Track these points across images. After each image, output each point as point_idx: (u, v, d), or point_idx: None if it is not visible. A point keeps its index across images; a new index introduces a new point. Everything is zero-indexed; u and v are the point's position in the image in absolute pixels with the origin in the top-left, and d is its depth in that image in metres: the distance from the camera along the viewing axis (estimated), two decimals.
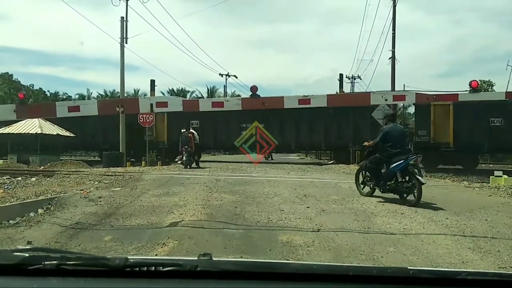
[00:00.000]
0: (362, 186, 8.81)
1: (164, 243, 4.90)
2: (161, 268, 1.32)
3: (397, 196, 7.96)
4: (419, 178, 7.59)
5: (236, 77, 42.08)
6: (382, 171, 8.11)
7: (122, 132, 21.57)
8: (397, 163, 7.77)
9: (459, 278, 1.34)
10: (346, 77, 37.54)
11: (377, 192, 8.32)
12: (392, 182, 7.91)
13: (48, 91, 56.98)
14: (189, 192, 8.64)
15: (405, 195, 7.83)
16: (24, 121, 21.08)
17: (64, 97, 54.50)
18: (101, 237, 5.31)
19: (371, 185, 8.47)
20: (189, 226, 5.74)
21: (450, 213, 6.80)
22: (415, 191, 7.57)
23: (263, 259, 3.67)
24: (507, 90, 20.69)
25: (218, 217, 6.37)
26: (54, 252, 1.58)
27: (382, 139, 8.13)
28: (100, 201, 7.50)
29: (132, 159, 20.64)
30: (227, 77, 41.52)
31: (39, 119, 20.90)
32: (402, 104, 23.86)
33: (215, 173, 13.54)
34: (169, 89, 50.49)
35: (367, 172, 8.61)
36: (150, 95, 25.03)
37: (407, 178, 7.75)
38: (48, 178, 11.45)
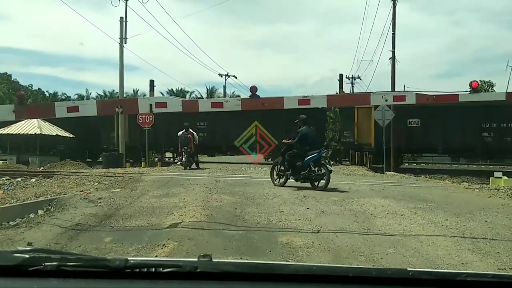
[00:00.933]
0: (276, 178, 10.48)
1: (164, 244, 4.91)
2: (161, 269, 1.32)
3: (307, 184, 9.70)
4: (328, 166, 9.59)
5: (236, 78, 42.02)
6: (297, 163, 9.79)
7: (122, 132, 21.58)
8: (311, 156, 9.54)
9: (459, 279, 1.34)
10: (346, 77, 37.59)
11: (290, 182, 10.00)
12: (306, 171, 9.67)
13: (47, 91, 57.01)
14: (189, 193, 8.64)
15: (315, 182, 9.64)
16: (23, 122, 21.02)
17: (63, 97, 54.43)
18: (101, 238, 5.31)
19: (287, 176, 10.14)
20: (189, 227, 5.74)
21: (450, 214, 6.80)
22: (324, 178, 9.43)
23: (263, 260, 3.67)
24: (507, 91, 20.77)
25: (218, 218, 6.38)
26: (54, 253, 1.59)
27: (300, 139, 9.91)
28: (100, 202, 7.50)
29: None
30: (227, 77, 41.48)
31: (38, 119, 20.88)
32: None
33: (215, 174, 13.54)
34: (169, 90, 50.49)
35: (281, 166, 10.37)
36: (149, 96, 25.02)
37: (317, 168, 9.60)
38: (48, 179, 11.45)
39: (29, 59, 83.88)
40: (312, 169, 9.62)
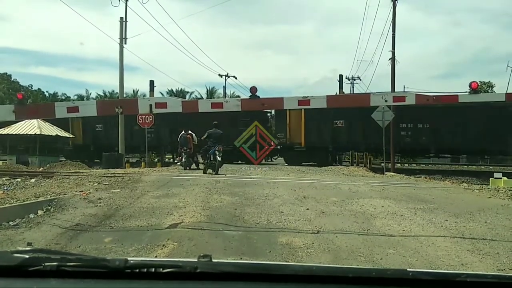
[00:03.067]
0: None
1: (164, 245, 4.91)
2: (161, 269, 1.32)
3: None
4: (218, 158, 13.45)
5: (236, 78, 41.92)
6: (207, 155, 13.81)
7: (121, 132, 21.56)
8: (211, 150, 13.52)
9: (458, 280, 1.34)
10: (346, 78, 37.54)
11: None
12: (209, 161, 13.65)
13: (47, 91, 56.92)
14: (189, 194, 8.63)
15: (215, 169, 13.39)
16: (23, 122, 20.97)
17: (63, 97, 54.30)
18: (101, 239, 5.31)
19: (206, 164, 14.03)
20: (189, 228, 5.74)
21: (449, 215, 6.80)
22: (218, 165, 13.47)
23: (263, 261, 3.68)
24: (507, 91, 20.79)
25: (218, 218, 6.37)
26: (54, 254, 1.59)
27: (207, 137, 13.96)
28: (100, 203, 7.49)
29: None
30: (227, 77, 41.37)
31: (38, 120, 20.83)
32: None
33: (214, 174, 13.53)
34: (168, 90, 50.36)
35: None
36: (149, 96, 25.01)
37: (215, 158, 13.49)
38: (48, 179, 11.44)
39: (29, 59, 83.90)
40: (212, 159, 13.51)
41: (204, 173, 13.55)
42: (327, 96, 6.99)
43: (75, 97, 53.38)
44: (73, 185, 9.95)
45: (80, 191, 8.62)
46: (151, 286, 1.32)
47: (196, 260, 1.43)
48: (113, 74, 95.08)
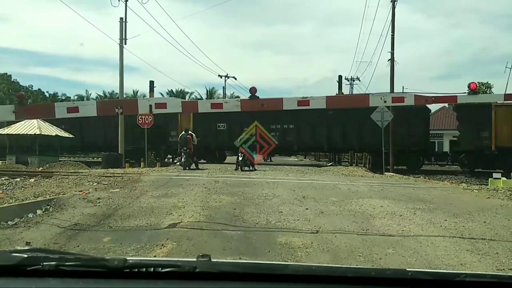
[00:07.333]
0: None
1: (163, 244, 4.91)
2: (160, 269, 1.32)
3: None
4: (240, 158, 15.99)
5: (235, 79, 41.95)
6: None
7: (121, 132, 21.54)
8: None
9: (458, 280, 1.34)
10: (345, 78, 37.52)
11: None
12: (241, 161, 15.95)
13: (47, 92, 56.91)
14: (188, 194, 8.63)
15: (242, 167, 15.71)
16: (22, 122, 20.93)
17: (63, 98, 54.35)
18: (99, 238, 5.31)
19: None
20: (188, 228, 5.74)
21: (449, 215, 6.80)
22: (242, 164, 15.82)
23: (262, 261, 3.67)
24: (506, 92, 20.77)
25: (217, 218, 6.37)
26: (53, 253, 1.58)
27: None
28: (99, 202, 7.49)
29: None
30: (226, 78, 41.39)
31: (38, 120, 20.78)
32: None
33: (214, 174, 13.53)
34: (168, 90, 50.50)
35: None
36: (149, 96, 25.03)
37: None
38: (47, 179, 11.41)
39: (29, 59, 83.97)
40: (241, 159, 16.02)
41: (236, 169, 15.75)
42: (326, 96, 7.00)
43: (75, 97, 53.48)
44: (72, 185, 9.94)
45: (79, 191, 8.61)
46: (150, 286, 1.32)
47: (195, 259, 1.42)
48: (113, 75, 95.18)
